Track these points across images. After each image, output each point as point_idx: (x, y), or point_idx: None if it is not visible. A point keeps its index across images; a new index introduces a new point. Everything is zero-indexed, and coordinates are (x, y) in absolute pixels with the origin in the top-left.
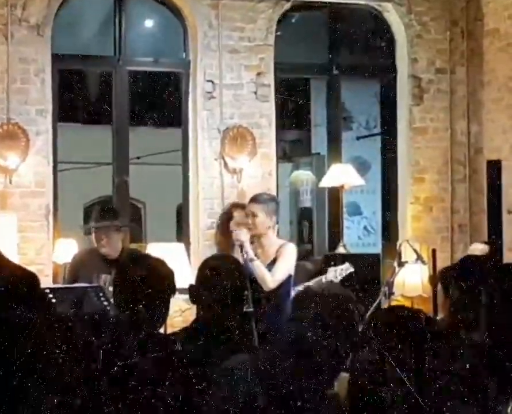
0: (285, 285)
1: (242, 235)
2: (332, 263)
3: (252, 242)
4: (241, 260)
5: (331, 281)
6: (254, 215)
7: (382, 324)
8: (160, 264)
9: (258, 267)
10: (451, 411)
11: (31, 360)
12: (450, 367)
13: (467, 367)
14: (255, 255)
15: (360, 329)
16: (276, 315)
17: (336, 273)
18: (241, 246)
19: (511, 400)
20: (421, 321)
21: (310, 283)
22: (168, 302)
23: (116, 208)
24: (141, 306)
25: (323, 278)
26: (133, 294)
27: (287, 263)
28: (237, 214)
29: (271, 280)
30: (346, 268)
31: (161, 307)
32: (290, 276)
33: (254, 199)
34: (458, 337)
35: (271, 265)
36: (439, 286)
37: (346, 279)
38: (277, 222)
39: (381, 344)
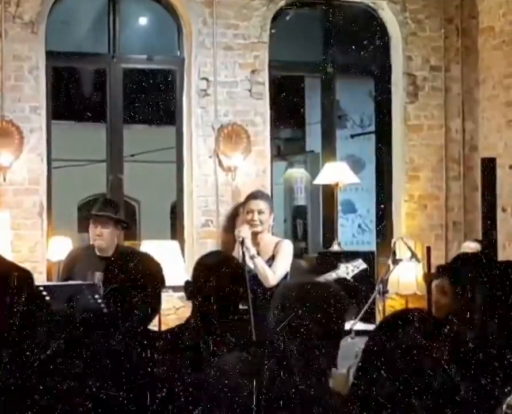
0: (282, 282)
1: (244, 231)
2: (343, 260)
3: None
4: (240, 257)
5: (344, 278)
6: (261, 212)
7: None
8: (146, 258)
9: (260, 264)
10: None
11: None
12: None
13: (464, 364)
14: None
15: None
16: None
17: (348, 269)
18: (242, 243)
19: (507, 397)
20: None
21: (321, 279)
22: (159, 295)
23: (118, 203)
24: (131, 300)
25: (333, 274)
26: (122, 289)
27: (285, 260)
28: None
29: (273, 277)
30: (358, 265)
31: (152, 301)
32: (287, 273)
33: (259, 196)
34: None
35: (269, 262)
36: (434, 284)
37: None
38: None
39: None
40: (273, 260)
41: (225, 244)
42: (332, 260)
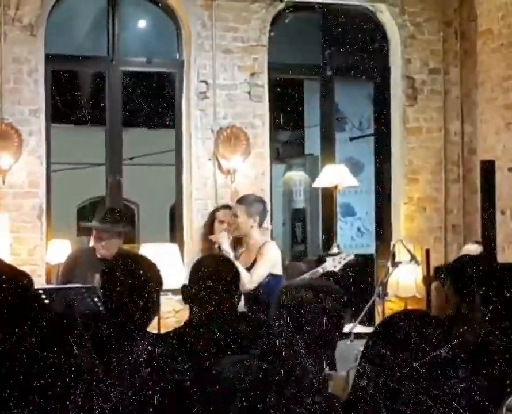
0: (265, 284)
1: (221, 236)
2: (331, 253)
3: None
4: None
5: (330, 271)
6: (235, 216)
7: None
8: (143, 260)
9: None
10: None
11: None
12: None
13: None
14: (240, 256)
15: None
16: (263, 314)
17: (335, 262)
18: (219, 248)
19: (507, 398)
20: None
21: (307, 275)
22: (156, 296)
23: (121, 211)
24: (128, 303)
25: (320, 269)
26: (118, 291)
27: (265, 263)
28: (220, 213)
29: (248, 281)
30: (345, 256)
31: (149, 302)
32: (271, 275)
33: (237, 200)
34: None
35: (252, 265)
36: (434, 285)
37: (339, 279)
38: (261, 223)
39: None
40: (254, 264)
41: (204, 251)
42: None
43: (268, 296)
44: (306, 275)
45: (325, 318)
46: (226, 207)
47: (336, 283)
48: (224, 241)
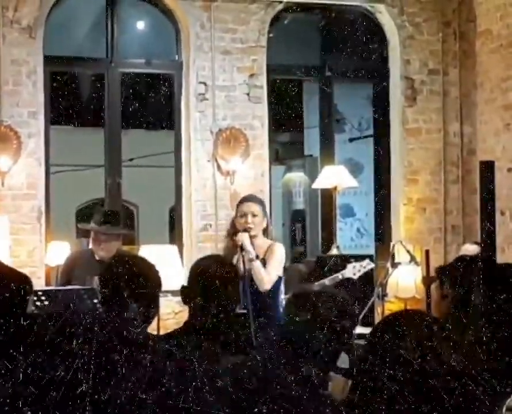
0: (275, 286)
1: (242, 235)
2: (352, 260)
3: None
4: (240, 261)
5: (349, 279)
6: (254, 215)
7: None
8: (142, 261)
9: (257, 267)
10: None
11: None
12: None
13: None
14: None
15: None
16: (268, 316)
17: (355, 269)
18: (241, 247)
19: (507, 399)
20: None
21: (326, 281)
22: (156, 297)
23: (119, 213)
24: (127, 304)
25: (339, 275)
26: (118, 292)
27: (277, 263)
28: None
29: (268, 280)
30: (366, 264)
31: (149, 304)
32: (279, 277)
33: (251, 199)
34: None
35: None
36: (433, 285)
37: (355, 285)
38: (269, 224)
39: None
40: (264, 263)
41: (227, 248)
42: (331, 264)
43: (277, 296)
44: (326, 281)
45: (334, 334)
46: None
47: (352, 288)
48: (245, 240)
